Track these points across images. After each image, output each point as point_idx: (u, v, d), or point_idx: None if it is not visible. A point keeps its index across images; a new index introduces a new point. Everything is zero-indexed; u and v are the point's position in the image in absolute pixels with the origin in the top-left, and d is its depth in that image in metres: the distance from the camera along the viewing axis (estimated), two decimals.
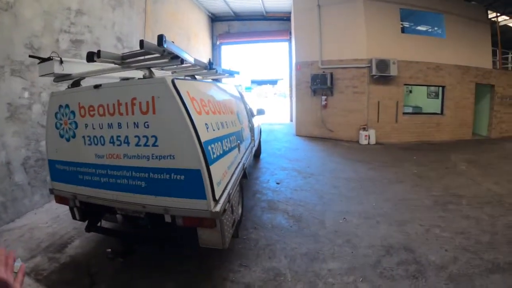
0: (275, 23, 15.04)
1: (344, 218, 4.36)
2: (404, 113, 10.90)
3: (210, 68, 3.60)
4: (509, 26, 15.55)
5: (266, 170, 6.83)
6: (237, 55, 36.31)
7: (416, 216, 4.50)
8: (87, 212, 3.09)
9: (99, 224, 3.26)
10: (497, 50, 13.63)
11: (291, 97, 14.58)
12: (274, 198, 5.13)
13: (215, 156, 2.70)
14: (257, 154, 7.62)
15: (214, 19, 15.20)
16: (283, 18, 14.75)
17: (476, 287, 2.91)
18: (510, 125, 13.41)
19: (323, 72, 10.40)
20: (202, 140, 2.44)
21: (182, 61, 2.61)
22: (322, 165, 7.47)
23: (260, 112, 7.13)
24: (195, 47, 12.76)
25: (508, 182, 6.56)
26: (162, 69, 3.54)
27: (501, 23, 14.62)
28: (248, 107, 6.35)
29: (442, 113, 11.43)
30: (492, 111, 12.76)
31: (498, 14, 13.07)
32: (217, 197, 2.52)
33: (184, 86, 2.61)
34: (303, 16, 11.09)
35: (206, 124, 2.73)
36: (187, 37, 11.82)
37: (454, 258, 3.39)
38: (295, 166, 7.20)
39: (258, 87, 48.47)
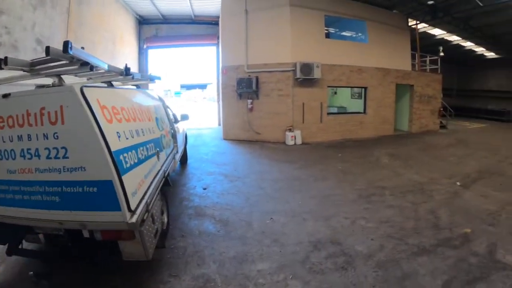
0: (204, 27, 15.56)
1: (271, 218, 4.58)
2: (329, 113, 12.15)
3: (127, 74, 3.54)
4: (427, 33, 17.82)
5: (193, 176, 7.01)
6: (165, 59, 36.54)
7: (342, 210, 4.89)
8: (5, 233, 2.86)
9: (20, 246, 3.02)
10: (416, 54, 15.58)
11: (218, 101, 15.13)
12: (201, 203, 5.24)
13: (128, 165, 2.69)
14: (183, 160, 7.84)
15: (142, 22, 15.22)
16: (212, 23, 15.26)
17: (404, 270, 3.25)
18: (428, 120, 15.43)
19: (249, 76, 11.06)
20: (113, 149, 2.45)
21: (92, 67, 2.58)
22: (248, 167, 7.86)
23: (184, 117, 7.28)
24: (121, 51, 12.79)
25: (428, 171, 7.69)
26: (76, 76, 3.41)
27: (420, 30, 16.72)
28: (172, 113, 6.56)
29: (365, 112, 12.90)
30: (412, 108, 14.62)
31: (418, 22, 15.04)
32: (132, 208, 2.51)
33: (94, 93, 2.60)
34: (231, 21, 11.69)
35: (118, 132, 2.73)
36: (112, 40, 11.83)
37: (381, 246, 3.75)
38: (222, 170, 7.47)
39: (187, 91, 49.41)
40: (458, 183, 6.72)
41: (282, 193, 5.80)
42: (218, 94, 14.98)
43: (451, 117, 20.22)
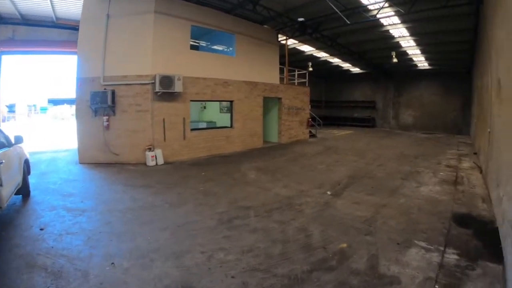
0: (66, 33, 14.56)
1: (112, 263, 4.19)
2: (193, 129, 13.03)
3: None
4: (297, 49, 20.72)
5: (32, 212, 6.44)
6: (27, 68, 32.84)
7: (198, 243, 4.73)
8: None
9: None
10: (285, 68, 17.88)
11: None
12: (33, 250, 4.64)
13: None
14: (24, 193, 7.19)
15: None
16: (75, 28, 14.03)
17: None
18: (298, 131, 17.96)
19: (104, 89, 10.89)
20: None
21: None
22: (98, 196, 7.61)
23: (18, 140, 6.70)
24: None
25: (297, 183, 8.60)
26: None
27: (291, 46, 19.33)
28: (4, 135, 6.21)
29: (231, 126, 14.33)
30: (281, 120, 16.92)
31: (287, 38, 17.50)
32: None
33: None
34: (90, 26, 11.39)
35: None
36: None
37: (243, 285, 3.60)
38: (67, 203, 7.01)
39: (55, 107, 46.24)
40: (328, 192, 7.70)
41: (130, 226, 5.53)
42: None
43: (320, 127, 23.59)
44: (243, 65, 14.58)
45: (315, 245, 4.72)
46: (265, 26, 16.13)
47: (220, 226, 5.47)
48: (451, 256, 4.53)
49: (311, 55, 23.03)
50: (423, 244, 4.91)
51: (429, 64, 26.13)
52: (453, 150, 16.73)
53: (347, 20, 13.25)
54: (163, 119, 11.67)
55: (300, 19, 14.47)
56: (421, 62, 25.20)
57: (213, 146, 13.39)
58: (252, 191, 7.82)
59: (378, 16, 13.10)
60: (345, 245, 4.67)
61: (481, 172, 10.65)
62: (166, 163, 11.46)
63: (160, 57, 11.63)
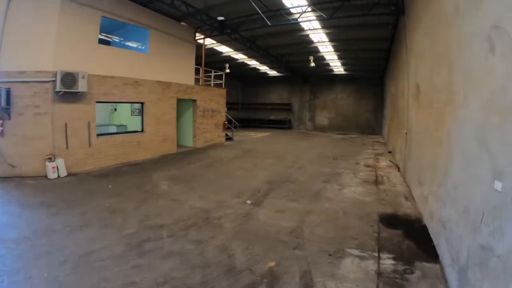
0: None
1: None
2: (99, 135, 11.91)
3: None
4: (215, 49, 20.72)
5: None
6: None
7: (103, 277, 4.14)
8: None
9: None
10: (201, 69, 17.65)
11: None
12: None
13: None
14: None
15: None
16: None
17: None
18: (213, 134, 17.77)
19: None
20: None
21: None
22: None
23: None
24: None
25: (214, 193, 8.34)
26: None
27: (208, 46, 19.15)
28: None
29: (142, 130, 13.62)
30: (196, 123, 16.58)
31: (205, 36, 17.21)
32: None
33: None
34: None
35: None
36: None
37: None
38: None
39: None
40: (249, 202, 7.59)
41: (25, 261, 4.62)
42: None
43: (237, 129, 23.77)
44: (156, 64, 13.99)
45: (240, 267, 4.42)
46: (182, 23, 15.77)
47: (129, 253, 4.82)
48: (387, 262, 4.76)
49: (229, 56, 23.26)
50: (356, 252, 5.02)
51: (345, 70, 28.48)
52: (369, 150, 18.24)
53: (268, 22, 13.53)
54: (65, 124, 10.43)
55: (220, 18, 14.39)
56: (337, 67, 27.25)
57: (122, 153, 12.52)
58: (165, 205, 7.29)
59: (299, 19, 13.65)
60: (273, 263, 4.50)
61: (399, 170, 11.61)
62: (69, 174, 10.32)
63: (64, 50, 10.36)
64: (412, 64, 9.87)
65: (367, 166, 12.85)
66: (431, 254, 4.94)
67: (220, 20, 14.57)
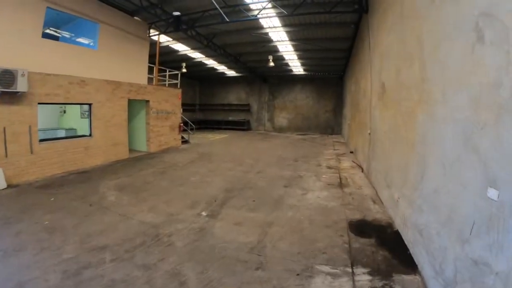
0: None
1: None
2: (42, 140, 10.78)
3: None
4: (171, 48, 19.91)
5: None
6: None
7: None
8: None
9: None
10: (155, 67, 16.82)
11: None
12: None
13: None
14: None
15: None
16: None
17: None
18: (168, 137, 17.00)
19: None
20: None
21: None
22: None
23: None
24: None
25: (166, 204, 7.59)
26: None
27: (164, 44, 18.36)
28: None
29: (90, 134, 12.55)
30: (149, 126, 15.70)
31: (160, 32, 16.25)
32: None
33: None
34: None
35: None
36: None
37: None
38: None
39: None
40: (204, 213, 6.92)
41: None
42: None
43: (193, 131, 23.12)
44: (106, 62, 13.00)
45: None
46: (136, 18, 14.84)
47: (66, 283, 4.10)
48: (363, 277, 4.35)
49: (186, 55, 22.33)
50: (327, 268, 4.56)
51: (305, 70, 28.39)
52: (330, 150, 18.13)
53: (226, 18, 13.00)
54: (4, 128, 9.26)
55: (176, 13, 13.65)
56: (296, 67, 27.07)
57: (68, 160, 11.41)
58: (111, 221, 6.40)
59: (259, 16, 13.15)
60: None
61: (362, 171, 11.47)
62: (10, 186, 9.12)
63: (2, 44, 9.32)
64: (376, 62, 9.72)
65: (330, 167, 12.61)
66: (409, 264, 4.63)
67: (176, 15, 13.80)
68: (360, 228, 6.18)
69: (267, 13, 13.25)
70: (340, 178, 10.57)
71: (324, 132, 30.46)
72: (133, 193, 8.57)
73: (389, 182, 7.06)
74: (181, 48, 20.49)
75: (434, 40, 4.35)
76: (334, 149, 18.46)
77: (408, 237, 5.21)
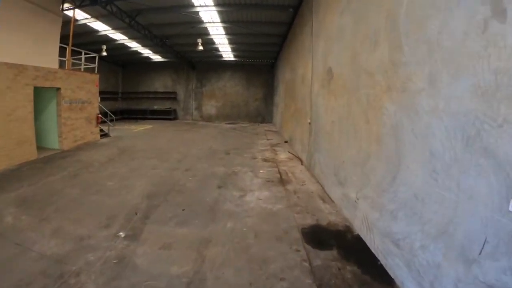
0: None
1: None
2: None
3: None
4: (89, 27, 17.63)
5: None
6: None
7: None
8: None
9: None
10: (68, 48, 14.80)
11: None
12: None
13: None
14: None
15: None
16: None
17: None
18: (85, 130, 15.15)
19: None
20: None
21: None
22: None
23: None
24: None
25: (73, 222, 5.92)
26: None
27: (81, 22, 16.26)
28: None
29: None
30: (61, 118, 13.69)
31: (74, 7, 13.86)
32: None
33: None
34: None
35: None
36: None
37: None
38: None
39: None
40: (122, 234, 5.45)
41: None
42: None
43: (113, 122, 21.32)
44: (6, 40, 10.90)
45: None
46: None
47: None
48: None
49: (106, 36, 19.83)
50: None
51: (235, 56, 27.45)
52: (263, 140, 17.54)
53: None
54: None
55: None
56: (227, 53, 26.07)
57: None
58: (3, 256, 4.62)
59: None
60: None
61: (302, 163, 10.99)
62: None
63: None
64: (320, 47, 9.17)
65: (266, 160, 11.92)
66: (384, 279, 4.05)
67: None
68: (316, 236, 5.39)
69: None
70: (280, 173, 9.83)
71: (254, 120, 30.15)
72: (35, 210, 6.57)
73: (342, 179, 6.52)
74: (101, 27, 18.10)
75: (418, 15, 3.72)
76: (268, 139, 17.92)
77: (376, 244, 4.66)
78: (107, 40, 20.78)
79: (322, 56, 8.80)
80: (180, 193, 7.88)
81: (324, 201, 7.24)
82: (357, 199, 5.58)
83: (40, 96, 13.00)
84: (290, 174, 9.73)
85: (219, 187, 8.43)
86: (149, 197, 7.48)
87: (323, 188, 8.08)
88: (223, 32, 19.10)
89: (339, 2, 7.32)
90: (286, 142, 16.15)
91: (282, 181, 9.00)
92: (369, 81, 5.22)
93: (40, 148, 12.64)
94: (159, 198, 7.42)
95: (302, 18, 12.64)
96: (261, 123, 29.05)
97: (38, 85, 12.31)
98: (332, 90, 7.57)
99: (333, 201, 7.10)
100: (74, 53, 15.64)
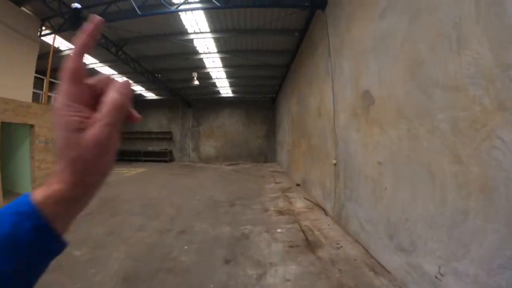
0: None
1: None
2: None
3: None
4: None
5: None
6: None
7: None
8: None
9: None
10: (45, 80, 13.27)
11: None
12: None
13: None
14: None
15: None
16: None
17: None
18: None
19: None
20: None
21: None
22: None
23: None
24: None
25: None
26: None
27: (65, 52, 14.85)
28: None
29: None
30: (34, 161, 11.86)
31: (54, 32, 12.49)
32: None
33: None
34: None
35: None
36: None
37: None
38: None
39: None
40: None
41: None
42: None
43: None
44: None
45: None
46: (24, 8, 11.25)
47: None
48: None
49: (93, 69, 18.39)
50: None
51: (233, 91, 26.60)
52: (271, 184, 15.55)
53: (138, 10, 10.15)
54: None
55: (76, 5, 10.12)
56: (224, 88, 25.19)
57: None
58: None
59: (181, 7, 10.37)
60: None
61: (326, 213, 9.13)
62: None
63: None
64: (344, 67, 7.62)
65: (281, 212, 9.67)
66: None
67: (75, 8, 10.19)
68: None
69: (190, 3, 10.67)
70: (303, 231, 7.59)
71: (257, 160, 28.61)
72: None
73: (405, 243, 4.63)
74: (87, 60, 16.84)
75: None
76: (276, 182, 16.00)
77: None
78: (93, 74, 19.31)
79: (351, 78, 7.16)
80: (171, 273, 5.44)
81: (375, 272, 5.19)
82: (441, 274, 3.71)
83: (10, 133, 11.28)
84: (317, 232, 7.53)
85: (227, 261, 6.02)
86: (127, 281, 5.17)
87: (367, 251, 6.10)
88: (220, 64, 17.84)
89: (375, 2, 5.72)
90: (298, 185, 14.34)
91: (310, 244, 6.77)
92: (455, 99, 3.47)
93: (10, 193, 10.79)
94: (140, 282, 5.13)
95: (312, 40, 11.37)
96: (264, 162, 27.58)
97: (7, 121, 10.62)
98: (374, 119, 5.82)
99: (389, 272, 5.10)
100: (53, 85, 13.91)
